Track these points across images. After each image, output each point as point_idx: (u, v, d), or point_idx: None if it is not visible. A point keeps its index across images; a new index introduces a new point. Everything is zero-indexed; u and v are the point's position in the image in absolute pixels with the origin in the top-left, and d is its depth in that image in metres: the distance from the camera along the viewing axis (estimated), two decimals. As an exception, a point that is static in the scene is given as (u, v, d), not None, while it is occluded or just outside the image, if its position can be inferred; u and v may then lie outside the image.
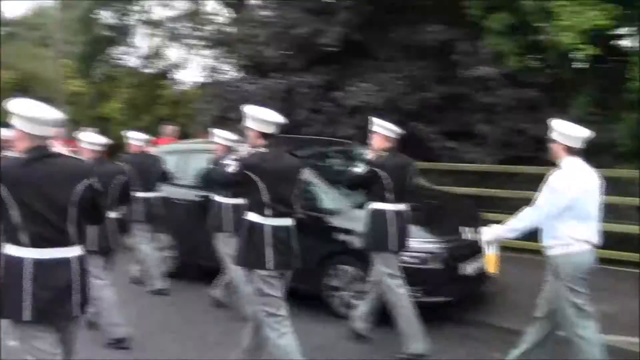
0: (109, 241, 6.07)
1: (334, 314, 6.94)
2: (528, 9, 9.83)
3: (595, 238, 4.77)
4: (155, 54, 24.57)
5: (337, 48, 12.48)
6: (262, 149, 4.79)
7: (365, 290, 6.26)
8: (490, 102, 11.14)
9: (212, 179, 5.51)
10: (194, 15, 23.04)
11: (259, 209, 4.74)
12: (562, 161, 4.77)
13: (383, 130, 5.83)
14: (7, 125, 4.12)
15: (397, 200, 5.76)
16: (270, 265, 4.69)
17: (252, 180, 4.69)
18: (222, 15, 21.92)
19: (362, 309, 6.23)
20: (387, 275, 5.76)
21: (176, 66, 24.68)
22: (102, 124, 33.07)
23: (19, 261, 3.52)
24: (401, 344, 5.77)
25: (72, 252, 3.66)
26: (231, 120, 14.10)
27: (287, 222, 4.85)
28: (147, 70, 25.26)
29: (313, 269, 6.80)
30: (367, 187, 5.89)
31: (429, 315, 6.06)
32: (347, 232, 6.84)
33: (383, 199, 5.75)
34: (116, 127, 30.25)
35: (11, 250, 3.56)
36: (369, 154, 6.02)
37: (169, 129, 13.38)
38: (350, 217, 6.80)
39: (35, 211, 3.52)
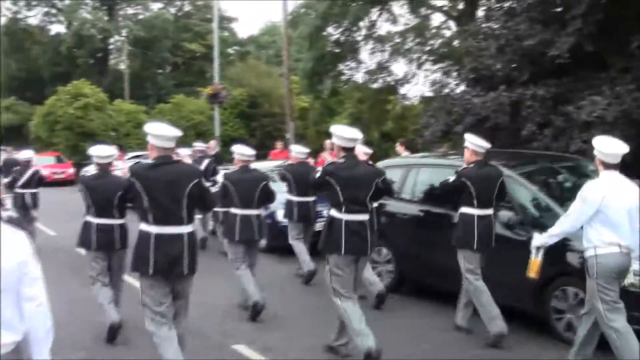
0: (251, 233, 7.91)
1: (559, 338, 6.74)
2: None
3: (627, 242, 5.46)
4: (381, 69, 25.42)
5: (567, 59, 12.37)
6: (341, 160, 6.10)
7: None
8: None
9: (309, 182, 7.07)
10: (420, 30, 23.67)
11: (337, 206, 6.06)
12: (600, 174, 5.64)
13: (473, 145, 6.94)
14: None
15: (483, 206, 6.80)
16: (342, 251, 5.92)
17: (330, 183, 6.01)
18: (449, 28, 22.37)
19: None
20: (467, 270, 6.79)
21: (402, 81, 25.36)
22: (328, 139, 34.86)
23: (147, 234, 5.22)
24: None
25: (185, 229, 5.30)
26: (457, 135, 14.47)
27: (361, 217, 6.05)
28: (373, 86, 26.18)
29: (537, 290, 6.83)
30: (457, 194, 6.96)
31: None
32: (573, 252, 6.63)
33: (470, 205, 6.83)
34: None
35: (142, 226, 5.26)
36: (462, 166, 7.09)
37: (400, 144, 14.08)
38: (576, 236, 6.54)
39: (158, 200, 5.17)
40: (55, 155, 34.03)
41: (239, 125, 40.89)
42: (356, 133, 6.18)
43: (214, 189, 8.66)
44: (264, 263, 10.65)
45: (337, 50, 25.88)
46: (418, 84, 25.62)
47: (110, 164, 7.19)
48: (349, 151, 6.14)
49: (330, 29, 25.65)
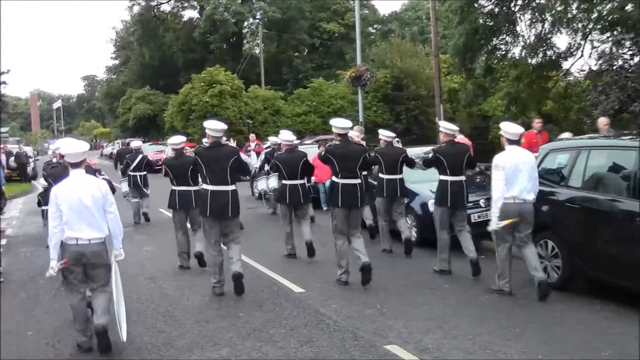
0: (298, 197, 11.30)
1: None
2: None
3: (522, 195, 8.23)
4: (541, 42, 24.52)
5: None
6: (337, 142, 9.40)
7: None
8: None
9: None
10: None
11: (335, 174, 9.28)
12: (506, 148, 8.44)
13: (445, 129, 10.00)
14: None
15: (454, 174, 9.75)
16: (340, 204, 9.23)
17: (330, 159, 9.26)
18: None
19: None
20: (441, 222, 9.85)
21: (565, 54, 24.34)
22: (480, 122, 34.16)
23: (205, 190, 8.87)
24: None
25: (229, 187, 8.80)
26: (631, 113, 13.78)
27: (353, 181, 9.24)
28: (532, 61, 25.28)
29: None
30: (435, 166, 9.98)
31: None
32: None
33: (444, 173, 9.82)
34: (495, 125, 31.03)
35: (204, 186, 8.95)
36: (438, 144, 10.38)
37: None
38: None
39: (212, 169, 8.76)
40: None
41: (382, 109, 40.82)
42: (347, 123, 9.45)
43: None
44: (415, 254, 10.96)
45: (491, 23, 25.21)
46: (584, 57, 24.51)
47: (183, 148, 11.02)
48: (343, 136, 9.36)
49: (482, 0, 25.07)
